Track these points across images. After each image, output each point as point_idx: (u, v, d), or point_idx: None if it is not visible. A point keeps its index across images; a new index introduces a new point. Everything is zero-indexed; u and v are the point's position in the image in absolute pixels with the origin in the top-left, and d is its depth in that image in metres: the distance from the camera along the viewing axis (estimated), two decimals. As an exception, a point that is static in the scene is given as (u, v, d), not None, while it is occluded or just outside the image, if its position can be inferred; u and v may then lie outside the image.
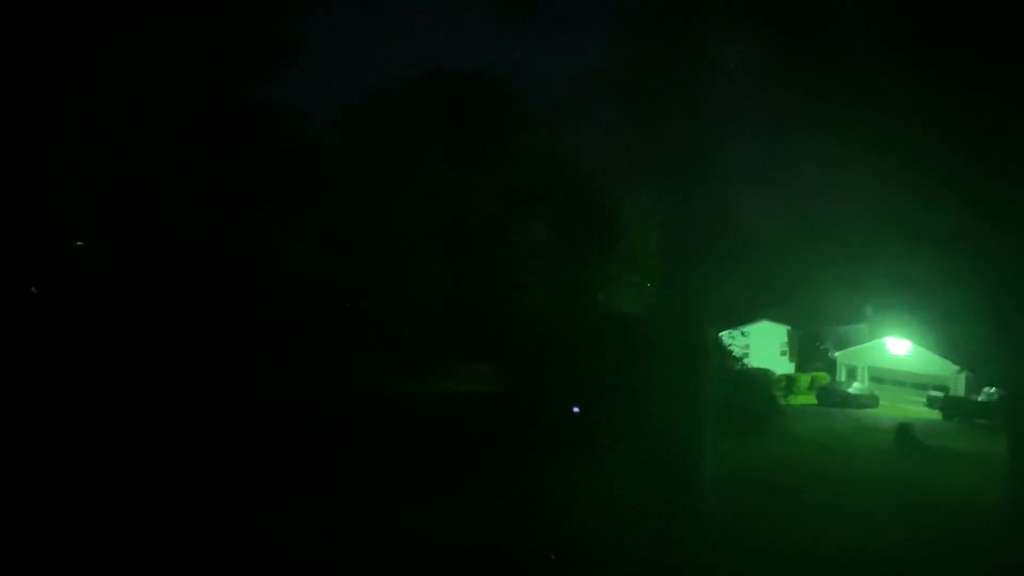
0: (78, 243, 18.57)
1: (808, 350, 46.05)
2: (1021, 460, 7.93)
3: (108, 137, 17.26)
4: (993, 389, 34.57)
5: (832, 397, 38.62)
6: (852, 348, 45.11)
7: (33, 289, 17.30)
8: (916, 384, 41.46)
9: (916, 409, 38.32)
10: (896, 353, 42.52)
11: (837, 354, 45.49)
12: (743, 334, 31.73)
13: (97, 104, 17.01)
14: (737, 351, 29.73)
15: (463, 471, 15.89)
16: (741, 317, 37.49)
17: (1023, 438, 8.08)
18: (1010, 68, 7.85)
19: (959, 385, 39.46)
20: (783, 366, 43.41)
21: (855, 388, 40.47)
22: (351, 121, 26.27)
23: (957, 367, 39.61)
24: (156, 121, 17.96)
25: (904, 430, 25.77)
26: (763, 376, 34.47)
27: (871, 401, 39.18)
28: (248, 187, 20.64)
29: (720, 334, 30.41)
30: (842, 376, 44.20)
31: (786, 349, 46.12)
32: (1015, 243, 8.23)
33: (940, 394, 38.58)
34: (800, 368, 44.36)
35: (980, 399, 35.31)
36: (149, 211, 18.74)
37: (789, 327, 45.76)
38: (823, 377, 43.14)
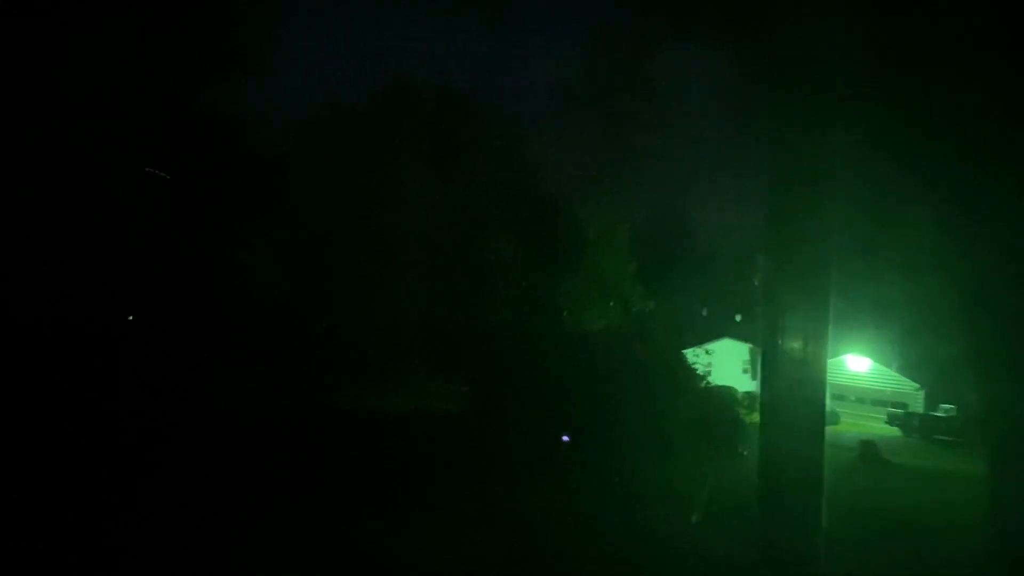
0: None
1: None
2: (997, 476, 7.85)
3: (73, 149, 16.80)
4: (951, 406, 35.11)
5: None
6: (812, 365, 45.48)
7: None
8: (876, 401, 41.89)
9: (877, 425, 38.66)
10: (856, 370, 42.95)
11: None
12: (707, 352, 31.80)
13: (61, 117, 16.56)
14: (701, 369, 29.77)
15: (422, 494, 15.46)
16: (704, 334, 37.62)
17: (998, 455, 8.00)
18: (977, 89, 7.79)
19: (918, 402, 39.94)
20: (746, 383, 43.66)
21: (816, 405, 40.70)
22: (315, 136, 25.91)
23: (916, 384, 40.16)
24: (121, 133, 17.54)
25: (868, 447, 25.91)
26: (727, 393, 34.56)
27: (832, 418, 39.42)
28: (210, 201, 20.21)
29: (684, 351, 30.45)
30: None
31: (748, 366, 46.38)
32: (977, 263, 8.16)
33: (900, 411, 39.04)
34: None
35: (939, 415, 35.80)
36: (111, 223, 18.24)
37: (751, 344, 46.08)
38: (786, 394, 43.35)
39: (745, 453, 21.45)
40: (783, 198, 4.39)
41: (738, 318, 44.30)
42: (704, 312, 44.50)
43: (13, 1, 15.56)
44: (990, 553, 7.97)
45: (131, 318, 20.45)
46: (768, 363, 4.24)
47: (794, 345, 4.12)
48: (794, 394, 4.11)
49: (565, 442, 20.01)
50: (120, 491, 13.06)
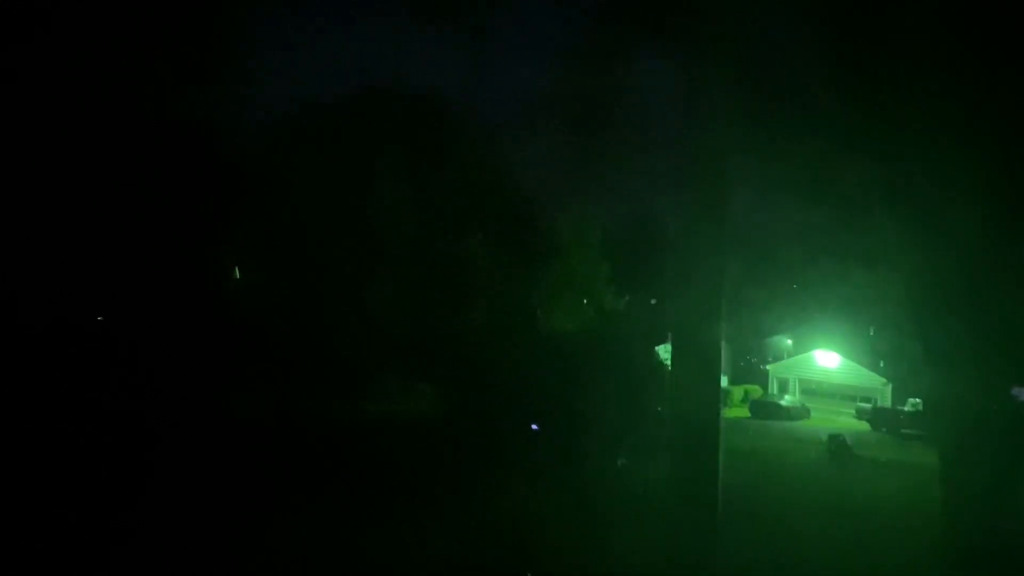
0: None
1: (741, 363, 46.99)
2: (951, 469, 8.21)
3: (45, 158, 16.73)
4: (917, 400, 35.84)
5: (765, 409, 39.39)
6: (783, 361, 46.17)
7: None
8: (845, 396, 42.63)
9: (846, 420, 39.36)
10: (826, 366, 43.66)
11: (769, 367, 46.48)
12: (679, 349, 32.16)
13: (30, 124, 16.48)
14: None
15: (401, 498, 15.53)
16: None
17: (951, 449, 8.36)
18: (944, 95, 8.12)
19: (886, 397, 40.72)
20: (723, 380, 44.15)
21: (787, 400, 41.39)
22: (290, 140, 25.88)
23: (883, 379, 40.94)
24: (101, 136, 17.48)
25: (836, 441, 26.43)
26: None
27: (803, 413, 40.10)
28: (180, 205, 20.14)
29: (657, 348, 30.76)
30: (774, 389, 45.16)
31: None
32: (940, 262, 8.51)
33: (868, 406, 39.81)
34: (733, 381, 45.22)
35: (906, 410, 36.54)
36: (82, 232, 18.16)
37: (722, 341, 46.61)
38: (755, 390, 44.00)
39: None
40: (688, 193, 4.72)
41: None
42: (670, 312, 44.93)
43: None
44: (943, 540, 8.31)
45: (99, 319, 20.27)
46: (676, 344, 4.62)
47: (693, 326, 4.47)
48: (694, 369, 4.50)
49: (534, 431, 20.26)
50: (98, 495, 13.02)
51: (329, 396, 22.14)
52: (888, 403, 39.98)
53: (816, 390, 43.90)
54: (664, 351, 31.41)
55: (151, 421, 17.00)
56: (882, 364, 40.79)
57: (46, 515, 11.76)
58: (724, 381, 41.66)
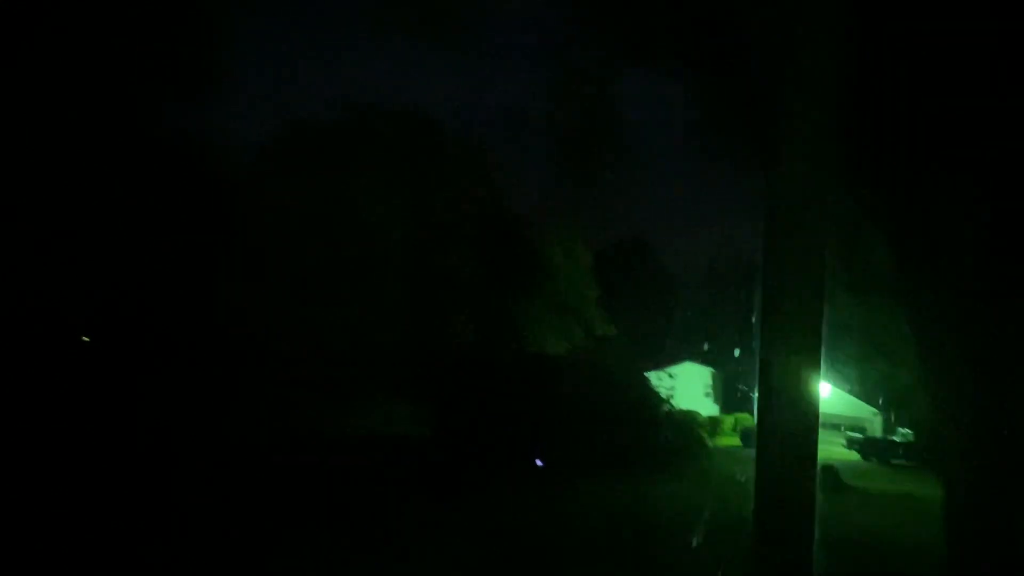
0: None
1: (732, 392, 46.78)
2: (952, 500, 7.98)
3: (36, 168, 16.56)
4: (908, 430, 35.66)
5: (756, 439, 39.03)
6: (771, 390, 45.95)
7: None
8: (835, 425, 42.42)
9: (836, 450, 39.06)
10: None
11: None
12: (670, 375, 31.99)
13: (25, 135, 16.32)
14: (664, 393, 29.93)
15: (385, 519, 15.24)
16: (667, 358, 37.87)
17: (954, 479, 8.13)
18: (937, 117, 7.99)
19: (876, 427, 40.53)
20: (708, 407, 43.90)
21: (777, 430, 41.04)
22: (277, 156, 25.77)
23: (874, 409, 40.77)
24: (84, 154, 17.33)
25: (827, 471, 26.14)
26: (689, 418, 34.77)
27: (792, 442, 39.74)
28: (168, 218, 19.96)
29: (647, 375, 30.60)
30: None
31: (711, 391, 46.68)
32: (937, 289, 8.34)
33: (859, 435, 39.55)
34: (724, 410, 44.97)
35: (896, 440, 36.34)
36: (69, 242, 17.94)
37: (713, 369, 46.40)
38: (746, 418, 43.71)
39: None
40: (779, 237, 4.43)
41: (706, 347, 44.78)
42: (668, 342, 44.92)
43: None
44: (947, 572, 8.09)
45: (85, 339, 20.03)
46: (763, 396, 4.29)
47: (788, 379, 4.17)
48: (789, 426, 4.17)
49: (539, 466, 19.96)
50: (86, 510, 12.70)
51: (319, 416, 21.87)
52: (879, 433, 39.79)
53: (806, 419, 43.65)
54: (655, 378, 31.27)
55: (136, 438, 16.67)
56: (871, 394, 40.64)
57: (32, 537, 11.44)
58: (715, 410, 41.74)
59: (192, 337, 19.59)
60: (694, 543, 13.25)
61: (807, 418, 4.82)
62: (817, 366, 4.85)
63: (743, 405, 45.72)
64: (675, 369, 37.33)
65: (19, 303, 17.28)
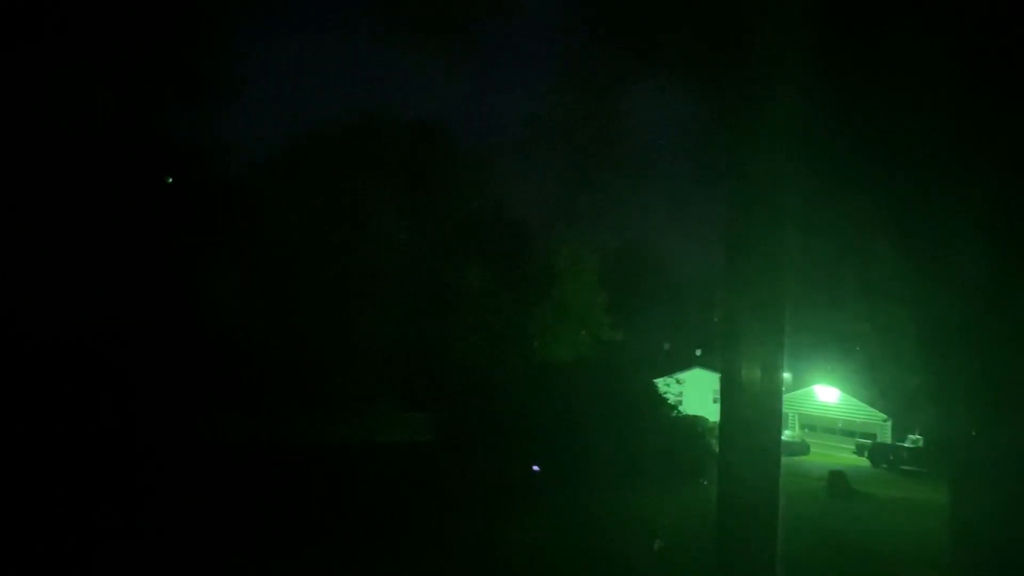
0: None
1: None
2: (959, 505, 7.94)
3: (43, 176, 16.62)
4: (918, 436, 35.50)
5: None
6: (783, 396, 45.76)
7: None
8: (845, 431, 42.26)
9: (845, 456, 38.94)
10: (825, 401, 43.30)
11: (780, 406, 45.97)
12: (678, 381, 31.91)
13: (29, 144, 16.41)
14: (672, 398, 29.86)
15: (390, 527, 15.18)
16: (675, 364, 37.76)
17: (959, 485, 8.10)
18: (939, 120, 7.97)
19: (886, 432, 40.34)
20: (716, 413, 43.67)
21: (786, 435, 40.94)
22: (285, 165, 25.85)
23: (883, 415, 40.58)
24: (96, 158, 17.39)
25: (837, 477, 26.03)
26: (698, 423, 34.62)
27: (802, 448, 39.68)
28: (176, 228, 20.02)
29: (655, 381, 30.53)
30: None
31: (719, 397, 46.47)
32: (938, 296, 8.31)
33: (868, 441, 39.41)
34: (733, 415, 44.68)
35: (906, 446, 36.16)
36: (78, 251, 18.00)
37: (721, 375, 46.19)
38: (755, 424, 43.46)
39: (705, 483, 21.52)
40: (740, 231, 4.45)
41: (698, 352, 44.73)
42: (666, 346, 44.79)
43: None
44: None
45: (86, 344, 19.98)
46: (726, 393, 4.30)
47: (751, 375, 4.16)
48: (751, 423, 4.16)
49: (535, 472, 19.89)
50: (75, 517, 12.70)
51: (324, 425, 21.87)
52: (888, 439, 39.61)
53: (816, 425, 43.51)
54: (663, 384, 31.20)
55: (133, 446, 16.68)
56: (882, 401, 40.44)
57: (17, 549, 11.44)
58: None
59: (198, 344, 19.62)
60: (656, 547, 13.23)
61: (770, 418, 4.80)
62: (778, 363, 4.84)
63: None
64: (683, 375, 37.24)
65: (21, 306, 17.34)
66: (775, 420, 4.49)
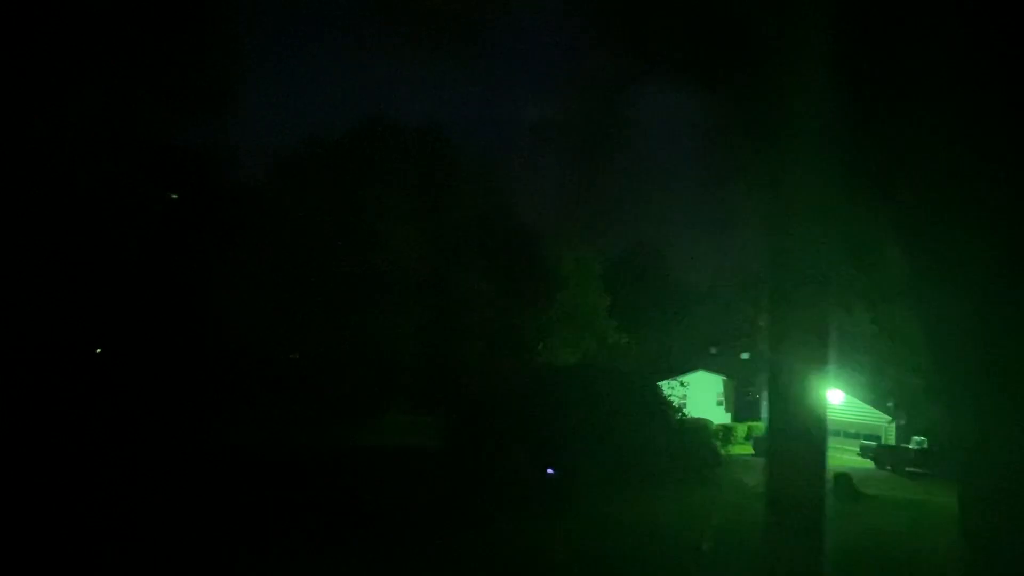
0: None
1: (744, 400, 46.63)
2: (970, 510, 7.98)
3: (46, 186, 16.72)
4: (922, 438, 35.48)
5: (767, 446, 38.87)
6: (786, 398, 45.79)
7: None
8: (849, 434, 42.26)
9: (849, 458, 38.91)
10: (829, 403, 43.32)
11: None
12: (682, 384, 31.94)
13: (35, 152, 16.50)
14: (676, 401, 29.88)
15: (401, 532, 15.20)
16: (679, 367, 37.80)
17: (967, 487, 8.13)
18: (959, 126, 8.04)
19: (890, 434, 40.35)
20: (720, 416, 43.75)
21: (790, 438, 40.88)
22: (294, 170, 25.97)
23: (888, 417, 40.59)
24: (102, 165, 17.48)
25: (842, 479, 26.03)
26: (702, 426, 34.67)
27: (806, 450, 39.62)
28: (185, 233, 20.12)
29: (660, 383, 30.56)
30: (777, 426, 44.62)
31: (723, 399, 46.53)
32: (950, 297, 8.36)
33: (872, 443, 39.40)
34: (736, 418, 44.82)
35: (910, 448, 36.15)
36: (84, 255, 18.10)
37: (725, 377, 46.26)
38: (759, 427, 43.52)
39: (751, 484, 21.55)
40: (783, 240, 4.53)
41: (713, 350, 44.70)
42: (671, 346, 44.81)
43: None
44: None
45: (98, 351, 20.16)
46: (773, 401, 4.38)
47: (796, 384, 4.26)
48: (797, 431, 4.25)
49: (550, 475, 19.92)
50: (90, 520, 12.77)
51: (333, 428, 21.93)
52: (892, 441, 39.61)
53: (820, 427, 43.52)
54: (667, 386, 31.22)
55: (149, 452, 16.77)
56: (889, 404, 40.46)
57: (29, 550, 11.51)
58: (727, 418, 41.49)
59: (206, 350, 19.72)
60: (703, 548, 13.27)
61: (815, 425, 4.87)
62: (824, 372, 4.91)
63: (755, 413, 45.57)
64: (687, 377, 37.27)
65: (33, 315, 17.43)
66: (821, 429, 4.57)
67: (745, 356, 44.05)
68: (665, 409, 27.32)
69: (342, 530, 14.39)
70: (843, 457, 39.13)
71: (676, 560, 13.23)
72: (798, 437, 4.27)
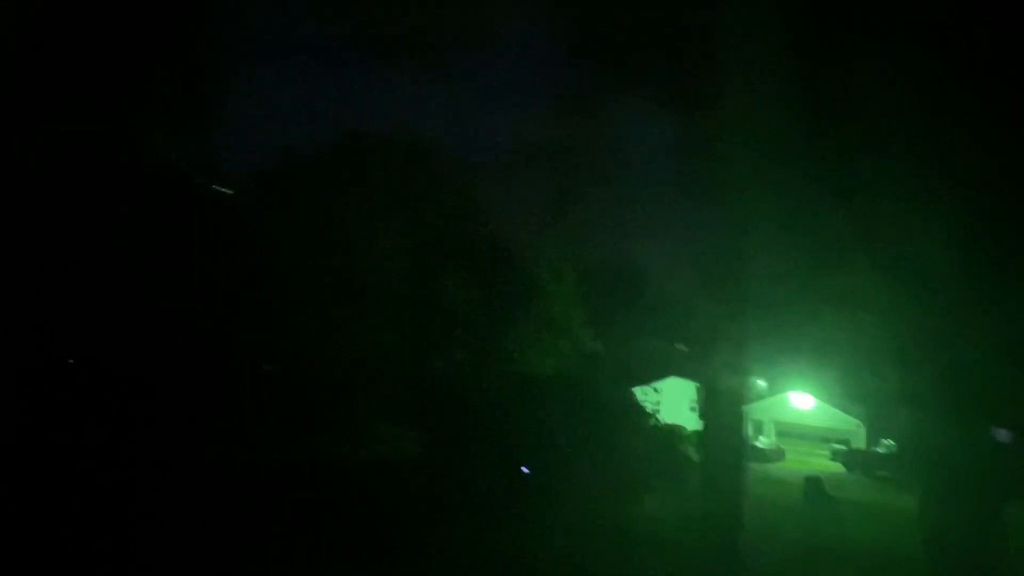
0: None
1: (717, 406, 46.96)
2: (930, 510, 8.33)
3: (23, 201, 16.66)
4: (891, 442, 36.13)
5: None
6: (757, 402, 46.37)
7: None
8: (820, 438, 42.89)
9: (821, 462, 39.51)
10: (800, 407, 43.91)
11: (743, 408, 46.49)
12: (655, 390, 32.18)
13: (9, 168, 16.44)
14: (650, 407, 30.09)
15: (379, 542, 15.26)
16: (652, 373, 38.14)
17: (929, 490, 8.48)
18: (922, 134, 8.41)
19: (860, 438, 41.00)
20: (693, 422, 44.04)
21: (762, 442, 41.46)
22: (271, 184, 25.96)
23: (857, 421, 41.26)
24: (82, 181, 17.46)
25: (813, 483, 26.51)
26: (675, 432, 34.90)
27: (778, 455, 40.21)
28: (160, 247, 20.09)
29: (634, 390, 30.79)
30: (749, 430, 45.17)
31: (695, 405, 46.83)
32: (918, 303, 8.72)
33: (843, 447, 40.03)
34: (710, 424, 45.13)
35: (879, 452, 36.81)
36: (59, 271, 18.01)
37: (698, 383, 46.52)
38: (732, 432, 43.92)
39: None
40: (714, 248, 4.84)
41: (681, 347, 45.11)
42: (646, 353, 45.15)
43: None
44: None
45: (70, 361, 20.00)
46: (708, 397, 4.72)
47: (720, 380, 4.58)
48: (722, 424, 4.59)
49: (526, 474, 20.11)
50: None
51: (308, 439, 21.85)
52: (863, 445, 40.26)
53: (791, 432, 44.08)
54: (641, 392, 31.45)
55: (128, 466, 16.67)
56: (856, 408, 41.14)
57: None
58: (700, 424, 41.73)
59: (186, 362, 19.66)
60: None
61: (733, 411, 5.22)
62: (742, 386, 5.25)
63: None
64: (660, 384, 37.55)
65: (13, 324, 17.33)
66: (737, 415, 4.92)
67: (682, 347, 44.55)
68: (638, 416, 27.59)
69: (317, 541, 14.44)
70: (814, 461, 39.72)
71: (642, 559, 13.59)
72: (722, 416, 4.64)
